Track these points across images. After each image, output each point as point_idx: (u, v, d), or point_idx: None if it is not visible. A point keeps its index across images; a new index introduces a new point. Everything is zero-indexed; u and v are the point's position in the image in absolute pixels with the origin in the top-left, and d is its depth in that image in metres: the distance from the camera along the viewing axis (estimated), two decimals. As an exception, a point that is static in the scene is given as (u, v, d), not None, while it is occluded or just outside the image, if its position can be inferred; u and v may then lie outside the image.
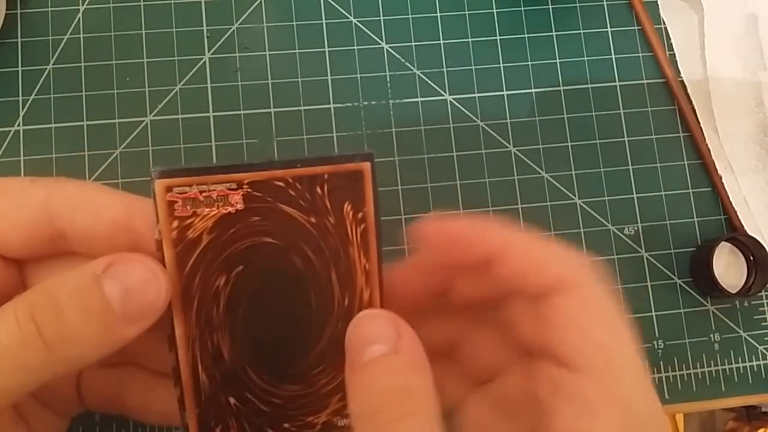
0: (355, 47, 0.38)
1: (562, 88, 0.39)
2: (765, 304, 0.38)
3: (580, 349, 0.19)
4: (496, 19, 0.40)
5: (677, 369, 0.37)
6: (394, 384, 0.18)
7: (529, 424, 0.20)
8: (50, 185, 0.20)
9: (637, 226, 0.38)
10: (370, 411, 0.18)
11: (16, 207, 0.20)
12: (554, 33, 0.40)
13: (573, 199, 0.38)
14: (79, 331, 0.18)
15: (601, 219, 0.38)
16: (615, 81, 0.39)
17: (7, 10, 0.37)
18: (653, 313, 0.37)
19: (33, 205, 0.20)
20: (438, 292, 0.22)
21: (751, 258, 0.38)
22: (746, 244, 0.37)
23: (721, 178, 0.38)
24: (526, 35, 0.39)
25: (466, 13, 0.39)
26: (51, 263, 0.21)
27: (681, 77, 0.39)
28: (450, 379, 0.23)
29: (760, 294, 0.38)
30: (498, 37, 0.39)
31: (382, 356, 0.19)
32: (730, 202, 0.38)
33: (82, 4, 0.38)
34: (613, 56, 0.39)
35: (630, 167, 0.38)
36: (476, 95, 0.39)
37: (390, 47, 0.39)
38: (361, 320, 0.20)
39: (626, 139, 0.39)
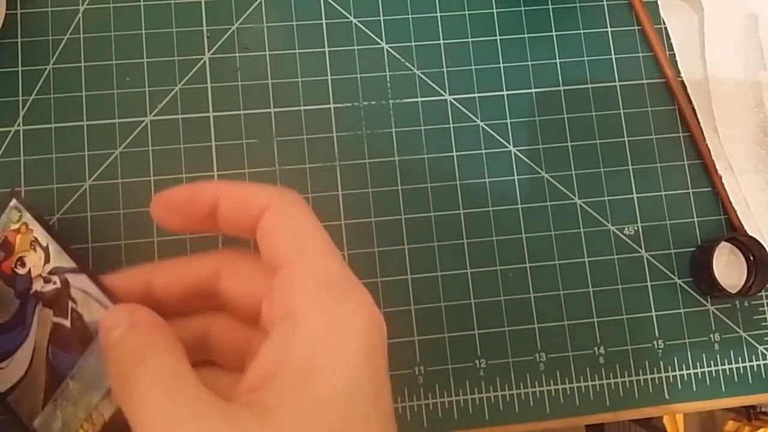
0: (355, 47, 0.38)
1: (562, 88, 0.39)
2: (765, 304, 0.38)
3: (277, 250, 0.21)
4: (496, 19, 0.40)
5: (677, 369, 0.37)
6: (134, 345, 0.21)
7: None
8: None
9: (637, 226, 0.38)
10: (118, 377, 0.20)
11: None
12: (554, 33, 0.40)
13: (573, 199, 0.38)
14: None
15: (601, 219, 0.38)
16: (615, 81, 0.39)
17: (7, 10, 0.37)
18: (653, 313, 0.37)
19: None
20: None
21: (751, 258, 0.38)
22: (746, 244, 0.37)
23: (721, 178, 0.38)
24: (526, 35, 0.39)
25: (466, 13, 0.39)
26: None
27: (681, 77, 0.39)
28: (233, 327, 0.24)
29: (760, 294, 0.38)
30: (498, 37, 0.39)
31: (121, 335, 0.21)
32: (730, 202, 0.38)
33: (82, 4, 0.38)
34: (613, 56, 0.40)
35: (630, 167, 0.38)
36: (476, 95, 0.39)
37: (390, 47, 0.39)
38: (102, 319, 0.23)
39: (626, 139, 0.39)
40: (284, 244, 0.21)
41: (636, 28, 0.40)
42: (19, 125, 0.36)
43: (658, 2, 0.40)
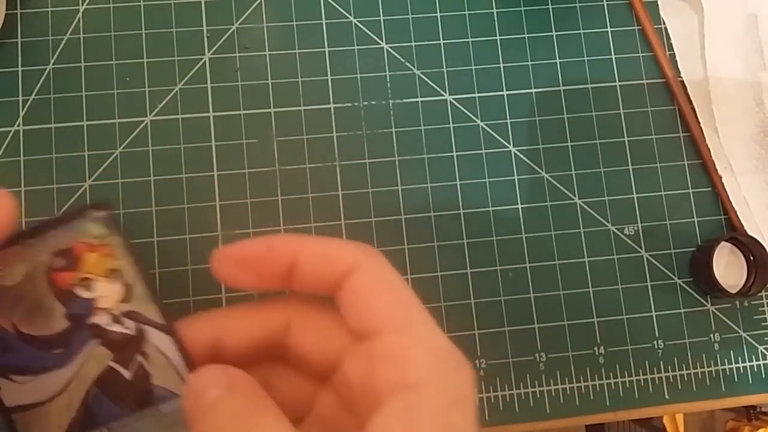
0: (355, 47, 0.38)
1: (562, 88, 0.39)
2: (765, 304, 0.38)
3: (376, 316, 0.20)
4: (496, 19, 0.40)
5: (677, 369, 0.37)
6: (239, 407, 0.19)
7: (366, 407, 0.21)
8: None
9: (637, 226, 0.38)
10: None
11: None
12: (554, 33, 0.40)
13: (573, 199, 0.38)
14: None
15: (601, 219, 0.38)
16: (615, 81, 0.39)
17: (7, 10, 0.37)
18: (653, 313, 0.37)
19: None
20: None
21: (751, 258, 0.38)
22: (746, 244, 0.37)
23: (721, 178, 0.38)
24: (526, 35, 0.39)
25: (466, 13, 0.39)
26: None
27: (681, 77, 0.39)
28: (295, 381, 0.23)
29: (760, 294, 0.38)
30: (498, 37, 0.39)
31: (219, 397, 0.20)
32: (730, 202, 0.38)
33: (82, 4, 0.38)
34: (613, 56, 0.39)
35: (630, 167, 0.38)
36: (476, 95, 0.39)
37: (390, 47, 0.39)
38: (193, 377, 0.21)
39: (626, 139, 0.39)
40: (384, 309, 0.20)
41: (636, 28, 0.40)
42: (19, 125, 0.36)
43: (658, 2, 0.40)
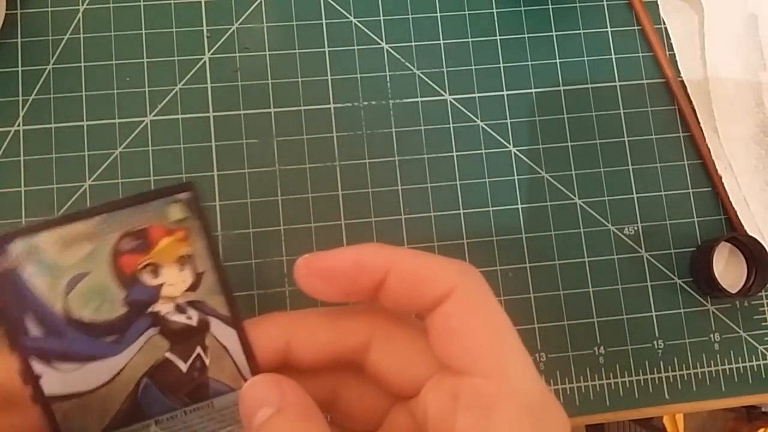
0: (355, 47, 0.38)
1: (562, 88, 0.39)
2: (765, 304, 0.38)
3: (469, 353, 0.19)
4: (496, 19, 0.40)
5: (677, 369, 0.37)
6: None
7: None
8: None
9: (637, 226, 0.38)
10: None
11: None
12: (554, 33, 0.40)
13: (573, 199, 0.38)
14: None
15: (601, 219, 0.38)
16: (615, 81, 0.39)
17: (7, 10, 0.37)
18: (653, 313, 0.37)
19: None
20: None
21: (751, 258, 0.38)
22: (746, 244, 0.37)
23: (721, 178, 0.38)
24: (526, 35, 0.39)
25: (466, 13, 0.39)
26: None
27: (681, 77, 0.39)
28: (368, 394, 0.22)
29: (760, 294, 0.38)
30: (498, 37, 0.39)
31: (269, 419, 0.19)
32: (730, 202, 0.38)
33: (82, 4, 0.38)
34: (613, 56, 0.39)
35: (630, 167, 0.38)
36: (476, 95, 0.39)
37: (390, 47, 0.39)
38: (244, 391, 0.20)
39: (626, 139, 0.39)
40: (477, 348, 0.19)
41: (636, 28, 0.40)
42: (19, 125, 0.36)
43: (658, 2, 0.40)
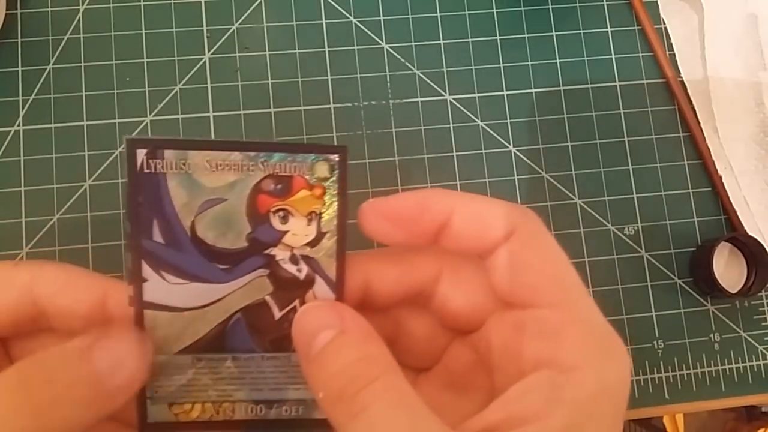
0: (355, 47, 0.38)
1: (562, 88, 0.39)
2: (765, 304, 0.38)
3: (533, 287, 0.20)
4: (496, 19, 0.40)
5: (677, 369, 0.37)
6: (350, 358, 0.19)
7: (504, 373, 0.20)
8: (34, 269, 0.21)
9: (637, 226, 0.38)
10: (336, 392, 0.18)
11: (2, 290, 0.21)
12: (554, 33, 0.40)
13: (573, 199, 0.38)
14: (68, 400, 0.18)
15: (601, 219, 0.38)
16: (615, 81, 0.39)
17: (7, 10, 0.37)
18: (653, 313, 0.37)
19: (17, 288, 0.21)
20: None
21: (751, 258, 0.38)
22: (746, 244, 0.37)
23: (721, 178, 0.38)
24: (526, 35, 0.39)
25: (466, 13, 0.39)
26: (33, 339, 0.22)
27: (681, 77, 0.39)
28: (431, 328, 0.23)
29: (760, 294, 0.38)
30: (498, 37, 0.39)
31: (332, 340, 0.19)
32: (730, 202, 0.38)
33: (82, 4, 0.38)
34: (613, 56, 0.39)
35: (630, 167, 0.38)
36: (476, 95, 0.39)
37: (390, 47, 0.39)
38: (302, 315, 0.21)
39: (626, 139, 0.39)
40: (541, 282, 0.20)
41: (636, 28, 0.40)
42: (19, 125, 0.36)
43: (658, 2, 0.40)
